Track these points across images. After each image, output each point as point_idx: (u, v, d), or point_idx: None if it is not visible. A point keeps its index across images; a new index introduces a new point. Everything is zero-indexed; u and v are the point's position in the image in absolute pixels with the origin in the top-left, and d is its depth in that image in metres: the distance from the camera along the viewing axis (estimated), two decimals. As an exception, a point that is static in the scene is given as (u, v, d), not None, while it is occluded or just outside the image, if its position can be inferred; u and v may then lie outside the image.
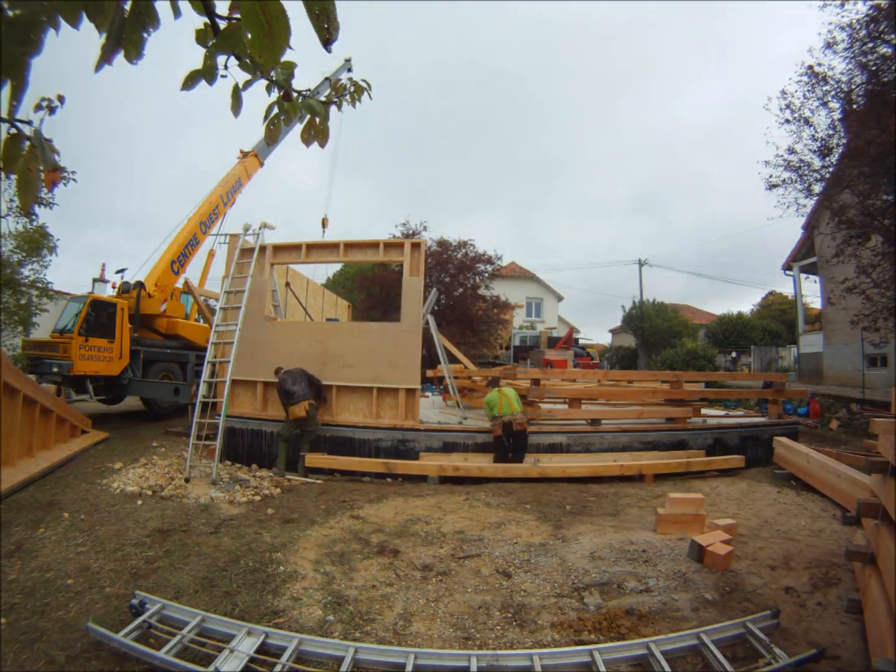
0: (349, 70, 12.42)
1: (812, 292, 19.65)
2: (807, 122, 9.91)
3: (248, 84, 1.54)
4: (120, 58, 1.25)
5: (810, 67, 9.68)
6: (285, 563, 3.69)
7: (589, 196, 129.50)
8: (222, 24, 1.31)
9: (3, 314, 8.38)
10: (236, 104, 1.60)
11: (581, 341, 27.12)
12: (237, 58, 1.40)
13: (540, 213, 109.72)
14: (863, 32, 9.00)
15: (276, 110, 1.71)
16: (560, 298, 32.31)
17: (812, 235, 15.80)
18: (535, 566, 3.70)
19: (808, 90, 9.78)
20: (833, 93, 9.58)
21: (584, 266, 78.58)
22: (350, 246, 7.48)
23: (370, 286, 19.43)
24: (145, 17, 1.21)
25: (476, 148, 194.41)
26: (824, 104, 9.77)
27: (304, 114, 1.70)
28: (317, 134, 1.79)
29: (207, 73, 1.45)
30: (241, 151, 11.53)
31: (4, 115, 1.22)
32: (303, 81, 1.67)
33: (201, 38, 1.38)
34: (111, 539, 4.06)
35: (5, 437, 5.29)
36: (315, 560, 3.79)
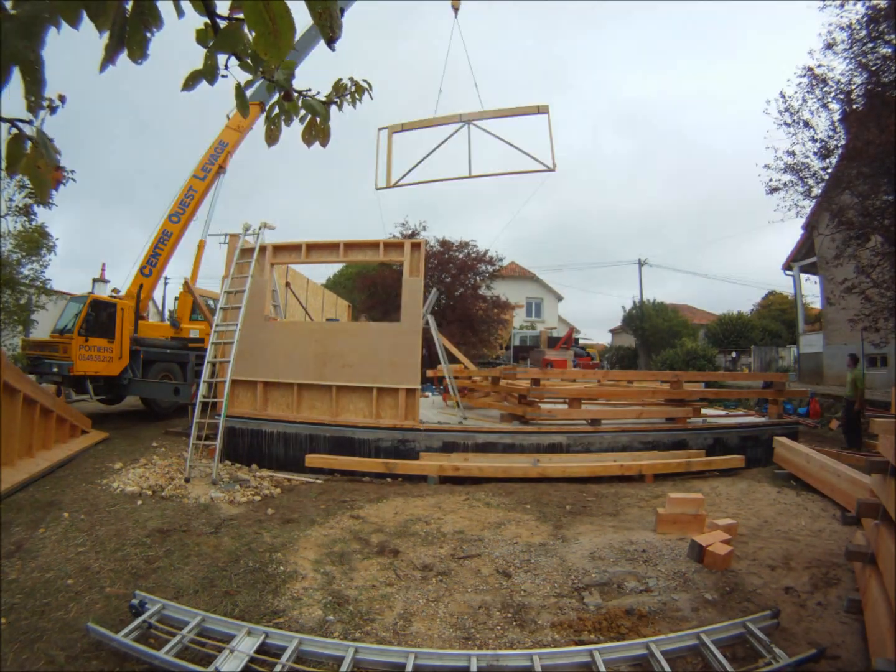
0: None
1: (812, 292, 19.68)
2: (806, 124, 9.91)
3: (249, 84, 1.53)
4: (123, 57, 1.24)
5: (810, 69, 9.68)
6: (285, 563, 3.69)
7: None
8: (223, 24, 1.31)
9: (3, 314, 8.37)
10: (242, 104, 1.57)
11: (581, 341, 27.11)
12: (237, 58, 1.40)
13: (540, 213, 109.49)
14: (863, 33, 9.00)
15: (276, 110, 1.71)
16: (560, 298, 32.36)
17: (812, 235, 15.80)
18: (535, 566, 3.71)
19: (808, 91, 9.79)
20: (833, 94, 9.58)
21: (585, 266, 78.58)
22: (350, 246, 7.48)
23: (370, 286, 19.43)
24: (148, 17, 1.21)
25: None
26: (824, 105, 9.77)
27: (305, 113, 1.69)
28: (318, 134, 1.79)
29: (208, 73, 1.45)
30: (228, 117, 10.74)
31: (6, 115, 1.21)
32: (303, 82, 1.68)
33: (202, 38, 1.38)
34: (111, 539, 4.07)
35: (5, 437, 5.29)
36: (315, 560, 3.79)
